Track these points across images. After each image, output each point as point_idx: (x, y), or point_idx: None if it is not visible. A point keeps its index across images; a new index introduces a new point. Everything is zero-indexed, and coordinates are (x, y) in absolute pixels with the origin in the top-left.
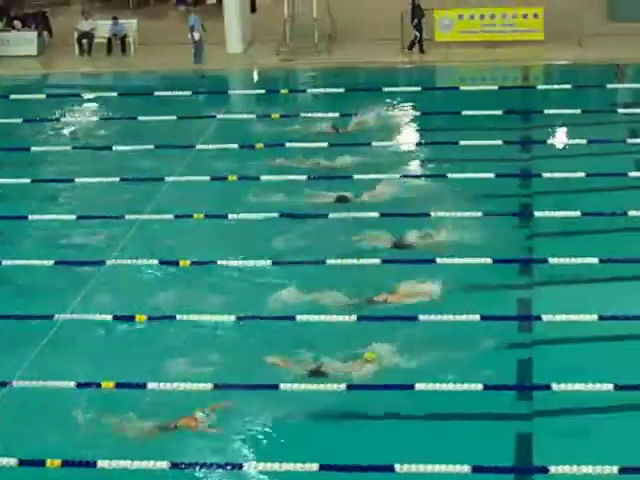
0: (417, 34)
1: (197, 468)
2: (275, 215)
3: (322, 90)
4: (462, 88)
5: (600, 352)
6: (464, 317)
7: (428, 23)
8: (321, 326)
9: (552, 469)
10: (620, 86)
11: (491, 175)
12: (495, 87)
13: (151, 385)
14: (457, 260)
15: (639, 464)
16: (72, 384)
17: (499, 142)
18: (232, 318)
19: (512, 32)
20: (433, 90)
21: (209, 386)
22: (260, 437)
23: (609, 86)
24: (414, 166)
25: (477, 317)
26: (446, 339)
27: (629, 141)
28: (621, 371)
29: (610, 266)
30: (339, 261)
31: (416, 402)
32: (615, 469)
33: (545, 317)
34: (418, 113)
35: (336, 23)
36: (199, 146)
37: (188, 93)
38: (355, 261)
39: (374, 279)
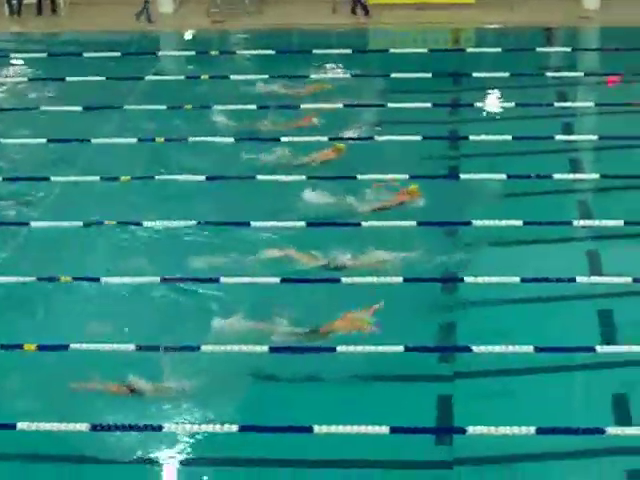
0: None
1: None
2: (202, 178)
3: (252, 52)
4: (392, 51)
5: (522, 314)
6: (388, 279)
7: None
8: None
9: (470, 429)
10: (550, 49)
11: (418, 138)
12: (425, 50)
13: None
14: (377, 223)
15: (556, 425)
16: None
17: (428, 105)
18: (157, 279)
19: None
20: (364, 53)
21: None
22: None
23: (539, 49)
24: (342, 129)
25: (400, 279)
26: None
27: (557, 104)
28: (542, 333)
29: (535, 228)
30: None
31: (337, 365)
32: (532, 429)
33: (467, 279)
34: (347, 76)
35: None
36: (127, 107)
37: (118, 54)
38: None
39: None
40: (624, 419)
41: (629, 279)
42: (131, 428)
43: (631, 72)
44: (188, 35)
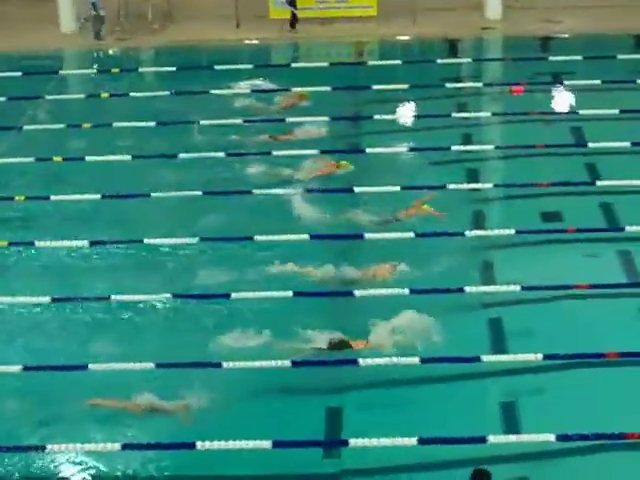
0: (293, 10)
1: None
2: (98, 197)
3: (154, 69)
4: (294, 65)
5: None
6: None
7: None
8: None
9: (357, 441)
10: (451, 60)
11: (315, 152)
12: (326, 64)
13: None
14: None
15: (439, 435)
16: None
17: (326, 118)
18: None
19: (346, 8)
20: (265, 67)
21: None
22: None
23: (440, 61)
24: (235, 145)
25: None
26: None
27: (455, 115)
28: (428, 345)
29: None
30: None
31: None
32: (414, 440)
33: (358, 292)
34: (247, 91)
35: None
36: (26, 127)
37: (19, 74)
38: None
39: None
40: (509, 427)
41: (518, 287)
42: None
43: (532, 81)
44: (91, 53)
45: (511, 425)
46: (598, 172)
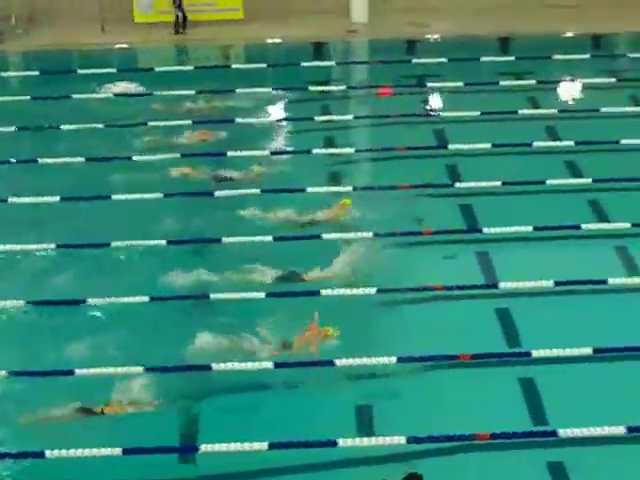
0: (180, 14)
1: None
2: None
3: (17, 73)
4: (157, 69)
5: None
6: None
7: (127, 3)
8: None
9: (202, 447)
10: (315, 64)
11: (178, 155)
12: (191, 67)
13: None
14: None
15: (291, 439)
16: None
17: (188, 122)
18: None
19: (213, 12)
20: (128, 72)
21: None
22: None
23: (304, 64)
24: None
25: None
26: None
27: (317, 118)
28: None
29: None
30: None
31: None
32: (265, 445)
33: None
34: (110, 95)
35: (36, 3)
36: None
37: None
38: None
39: None
40: (361, 430)
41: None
42: None
43: (398, 84)
44: None
45: (363, 428)
46: (458, 173)
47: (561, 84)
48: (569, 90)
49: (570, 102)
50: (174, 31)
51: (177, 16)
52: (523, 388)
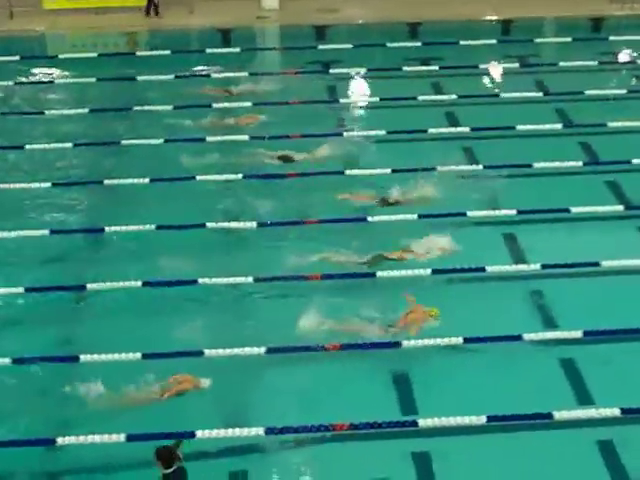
0: None
1: None
2: None
3: None
4: (61, 56)
5: None
6: None
7: None
8: None
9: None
10: (220, 50)
11: (69, 145)
12: (95, 54)
13: None
14: None
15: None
16: None
17: (85, 110)
18: None
19: None
20: (31, 59)
21: None
22: None
23: (209, 51)
24: None
25: None
26: None
27: (215, 105)
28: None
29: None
30: None
31: None
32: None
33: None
34: (11, 83)
35: None
36: None
37: None
38: None
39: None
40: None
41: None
42: None
43: (304, 70)
44: None
45: (223, 419)
46: (355, 160)
47: (465, 70)
48: (472, 76)
49: (472, 88)
50: (145, 14)
51: (149, 0)
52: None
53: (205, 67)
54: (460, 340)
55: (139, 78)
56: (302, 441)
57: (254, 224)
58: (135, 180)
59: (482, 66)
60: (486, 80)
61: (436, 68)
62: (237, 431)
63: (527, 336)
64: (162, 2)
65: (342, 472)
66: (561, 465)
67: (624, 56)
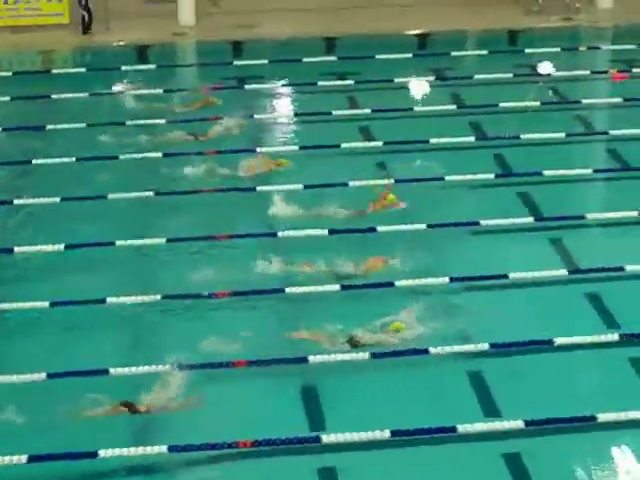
0: (85, 14)
1: None
2: None
3: None
4: None
5: None
6: None
7: None
8: None
9: None
10: (140, 67)
11: None
12: (9, 73)
13: None
14: None
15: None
16: None
17: None
18: None
19: (37, 16)
20: None
21: None
22: None
23: (124, 68)
24: None
25: None
26: None
27: (129, 122)
28: None
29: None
30: None
31: None
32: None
33: None
34: None
35: None
36: None
37: None
38: None
39: None
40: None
41: None
42: None
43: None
44: None
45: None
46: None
47: (380, 84)
48: (388, 90)
49: (387, 102)
50: (83, 32)
51: (83, 16)
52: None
53: (120, 84)
54: (367, 355)
55: (53, 96)
56: (206, 459)
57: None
58: (45, 199)
59: (397, 80)
60: (401, 94)
61: (352, 82)
62: (140, 450)
63: (433, 350)
64: (76, 19)
65: None
66: (467, 479)
67: (539, 68)
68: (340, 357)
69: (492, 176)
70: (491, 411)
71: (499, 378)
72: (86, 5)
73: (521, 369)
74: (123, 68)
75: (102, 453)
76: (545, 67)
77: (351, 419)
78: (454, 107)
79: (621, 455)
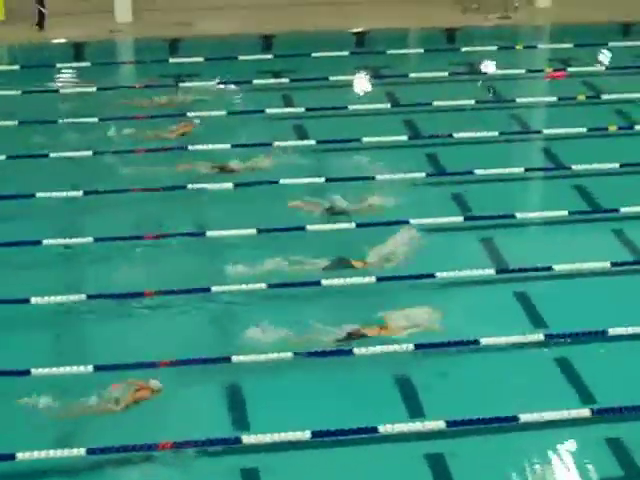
0: (42, 8)
1: None
2: None
3: None
4: None
5: None
6: None
7: None
8: None
9: None
10: (75, 65)
11: None
12: None
13: None
14: None
15: None
16: None
17: None
18: None
19: None
20: None
21: None
22: None
23: (59, 65)
24: None
25: None
26: None
27: (62, 121)
28: None
29: None
30: None
31: None
32: None
33: None
34: None
35: None
36: None
37: None
38: None
39: None
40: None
41: None
42: None
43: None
44: None
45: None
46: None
47: (316, 82)
48: (323, 88)
49: (322, 100)
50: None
51: (39, 11)
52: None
53: (54, 81)
54: (289, 355)
55: None
56: (126, 461)
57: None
58: None
59: (333, 78)
60: (336, 92)
61: (287, 81)
62: (58, 452)
63: (357, 350)
64: (12, 16)
65: None
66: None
67: (475, 67)
68: (263, 357)
69: (424, 175)
70: (416, 412)
71: (424, 379)
72: (41, 1)
73: (447, 369)
74: (58, 65)
75: (19, 455)
76: (481, 66)
77: (273, 420)
78: (388, 106)
79: (542, 455)
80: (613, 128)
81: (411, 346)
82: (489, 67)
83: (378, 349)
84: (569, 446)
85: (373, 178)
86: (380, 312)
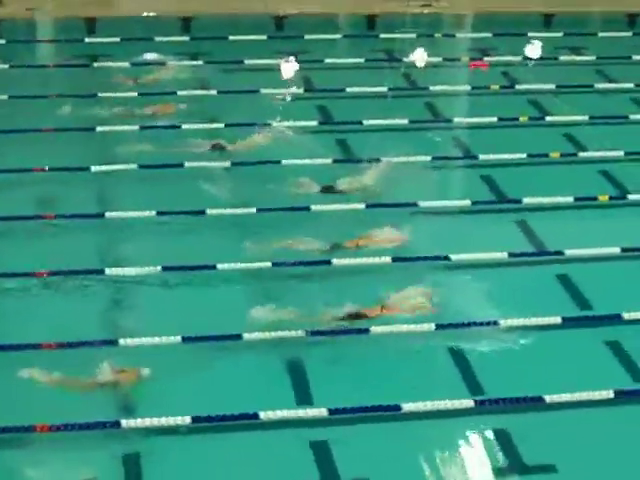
0: None
1: None
2: None
3: None
4: None
5: None
6: None
7: None
8: None
9: None
10: None
11: None
12: None
13: None
14: None
15: None
16: None
17: None
18: None
19: None
20: None
21: None
22: None
23: None
24: None
25: None
26: None
27: None
28: None
29: None
30: None
31: None
32: None
33: None
34: None
35: None
36: None
37: None
38: None
39: None
40: None
41: None
42: None
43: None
44: None
45: None
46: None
47: (230, 65)
48: (237, 71)
49: (236, 84)
50: None
51: None
52: None
53: None
54: (179, 339)
55: None
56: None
57: None
58: None
59: (248, 62)
60: (250, 76)
61: (201, 63)
62: None
63: (247, 335)
64: None
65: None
66: (272, 466)
67: (392, 54)
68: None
69: (330, 161)
70: (305, 399)
71: (316, 365)
72: None
73: (338, 356)
74: None
75: None
76: (399, 53)
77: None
78: (301, 90)
79: (426, 445)
80: (524, 119)
81: (301, 332)
82: (406, 55)
83: (272, 334)
84: (457, 436)
85: (279, 162)
86: None
